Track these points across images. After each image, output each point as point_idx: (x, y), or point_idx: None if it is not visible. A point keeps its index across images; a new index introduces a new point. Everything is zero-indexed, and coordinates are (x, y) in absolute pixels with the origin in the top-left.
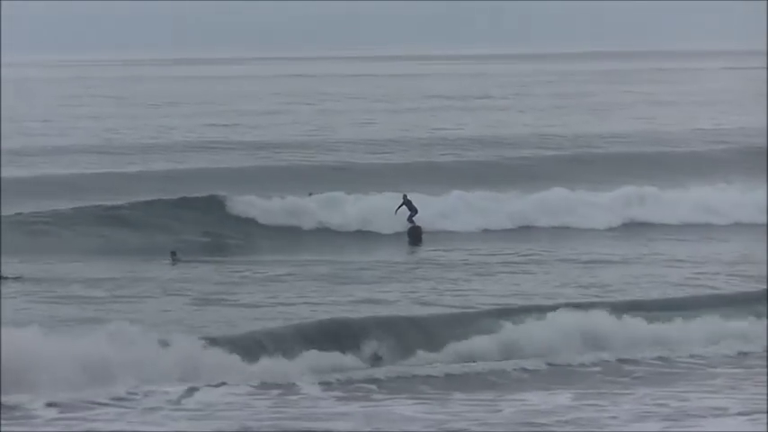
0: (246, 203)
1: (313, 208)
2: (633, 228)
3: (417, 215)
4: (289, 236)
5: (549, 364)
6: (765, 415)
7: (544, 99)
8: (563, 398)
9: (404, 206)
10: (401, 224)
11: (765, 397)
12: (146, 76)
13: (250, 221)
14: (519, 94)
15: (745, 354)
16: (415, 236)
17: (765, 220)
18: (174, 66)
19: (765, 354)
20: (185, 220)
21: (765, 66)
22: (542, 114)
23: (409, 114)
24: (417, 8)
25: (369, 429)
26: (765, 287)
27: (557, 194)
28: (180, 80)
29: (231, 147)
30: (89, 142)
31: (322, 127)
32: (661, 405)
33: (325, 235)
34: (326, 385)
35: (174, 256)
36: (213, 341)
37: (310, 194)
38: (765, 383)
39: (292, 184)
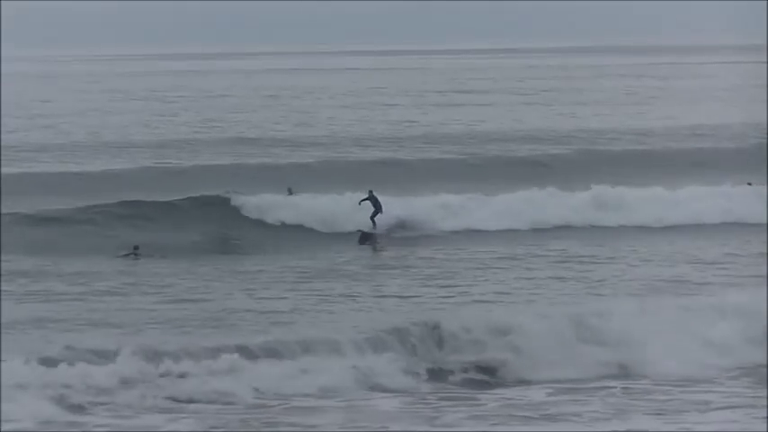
0: (252, 202)
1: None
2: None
3: (381, 214)
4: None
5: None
6: (765, 413)
7: (533, 95)
8: (541, 393)
9: (368, 200)
10: (364, 221)
11: (748, 391)
12: (149, 71)
13: (247, 220)
14: (514, 88)
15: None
16: (364, 239)
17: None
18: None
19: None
20: (166, 217)
21: (766, 61)
22: (529, 110)
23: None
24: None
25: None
26: (765, 287)
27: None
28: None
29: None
30: (85, 139)
31: (306, 122)
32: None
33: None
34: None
35: (137, 251)
36: None
37: (290, 192)
38: (766, 381)
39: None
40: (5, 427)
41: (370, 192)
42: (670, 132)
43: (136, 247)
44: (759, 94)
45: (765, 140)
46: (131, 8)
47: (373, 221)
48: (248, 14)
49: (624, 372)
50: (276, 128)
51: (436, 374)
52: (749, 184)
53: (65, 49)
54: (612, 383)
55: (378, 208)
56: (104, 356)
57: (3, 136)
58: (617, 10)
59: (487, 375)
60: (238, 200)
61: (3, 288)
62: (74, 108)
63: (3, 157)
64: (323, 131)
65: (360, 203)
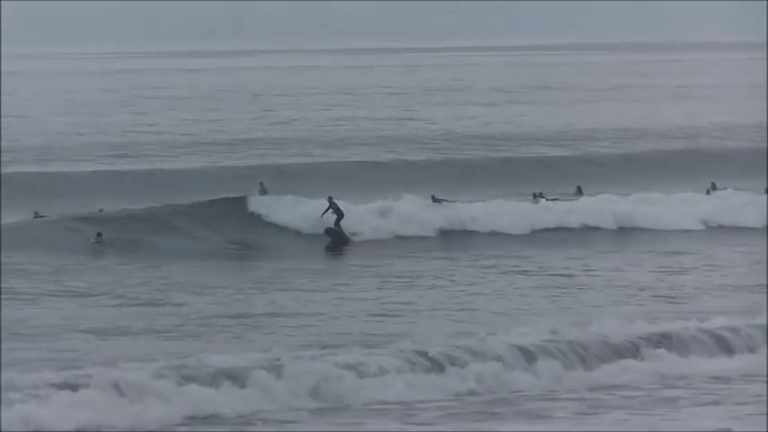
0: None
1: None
2: None
3: (344, 219)
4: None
5: None
6: (765, 414)
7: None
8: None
9: (330, 210)
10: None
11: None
12: (148, 69)
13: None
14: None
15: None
16: (337, 238)
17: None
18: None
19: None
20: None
21: (766, 59)
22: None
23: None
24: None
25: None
26: (765, 291)
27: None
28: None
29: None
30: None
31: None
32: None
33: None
34: None
35: (99, 237)
36: None
37: (262, 189)
38: (765, 381)
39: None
40: (5, 427)
41: (330, 198)
42: (651, 133)
43: (99, 234)
44: (759, 92)
45: (764, 142)
46: (131, 8)
47: (337, 225)
48: (250, 12)
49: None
50: (274, 129)
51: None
52: (712, 185)
53: (61, 47)
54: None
55: (339, 214)
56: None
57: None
58: (619, 10)
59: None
60: (252, 203)
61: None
62: (67, 108)
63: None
64: (330, 131)
65: (322, 216)
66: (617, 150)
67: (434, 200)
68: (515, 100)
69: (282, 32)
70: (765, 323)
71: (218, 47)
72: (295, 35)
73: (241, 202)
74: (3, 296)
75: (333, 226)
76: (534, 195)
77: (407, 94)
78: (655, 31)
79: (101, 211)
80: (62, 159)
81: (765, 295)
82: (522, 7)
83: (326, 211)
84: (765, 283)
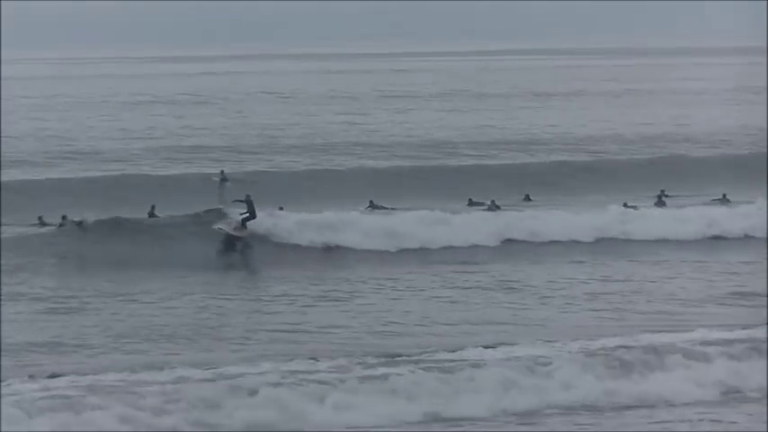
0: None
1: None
2: None
3: (255, 220)
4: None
5: None
6: (765, 411)
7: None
8: None
9: (243, 203)
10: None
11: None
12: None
13: None
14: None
15: None
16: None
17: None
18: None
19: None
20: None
21: (766, 63)
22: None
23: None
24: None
25: None
26: (766, 298)
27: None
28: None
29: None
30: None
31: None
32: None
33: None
34: None
35: (63, 221)
36: None
37: (223, 177)
38: (766, 378)
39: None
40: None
41: (248, 196)
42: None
43: (63, 217)
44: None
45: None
46: (129, 8)
47: (244, 224)
48: (252, 15)
49: None
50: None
51: None
52: (662, 191)
53: (53, 49)
54: None
55: (252, 213)
56: None
57: None
58: (621, 11)
59: None
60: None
61: None
62: (31, 113)
63: None
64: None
65: (233, 202)
66: (574, 158)
67: (372, 206)
68: (472, 106)
69: (274, 36)
70: (766, 325)
71: (191, 52)
72: (281, 39)
73: (208, 212)
74: None
75: (240, 222)
76: (471, 202)
77: (361, 100)
78: (669, 35)
79: (64, 218)
80: (25, 166)
81: (766, 306)
82: (523, 8)
83: (239, 201)
84: (765, 293)
